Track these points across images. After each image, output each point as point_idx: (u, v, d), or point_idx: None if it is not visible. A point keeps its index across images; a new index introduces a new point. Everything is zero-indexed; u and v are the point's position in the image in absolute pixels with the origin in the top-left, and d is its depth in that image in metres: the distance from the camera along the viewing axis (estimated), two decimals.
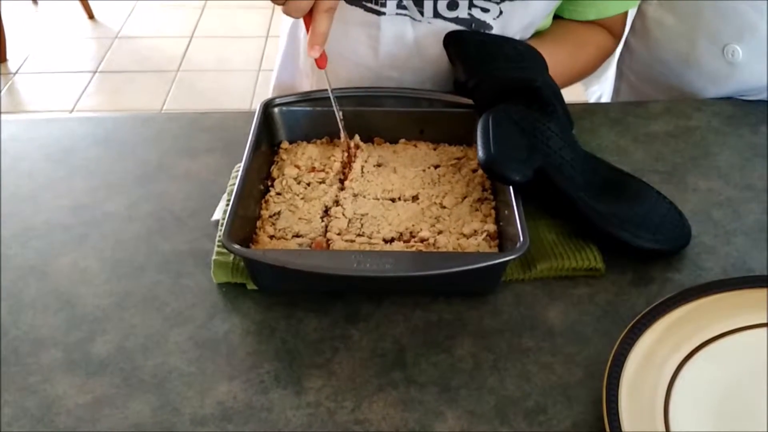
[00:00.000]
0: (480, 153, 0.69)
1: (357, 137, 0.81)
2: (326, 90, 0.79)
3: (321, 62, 0.75)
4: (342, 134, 0.78)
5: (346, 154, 0.79)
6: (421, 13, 0.87)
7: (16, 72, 2.95)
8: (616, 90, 1.13)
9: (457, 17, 0.87)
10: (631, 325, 0.60)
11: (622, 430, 0.52)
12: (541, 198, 0.72)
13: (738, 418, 0.55)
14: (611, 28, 0.99)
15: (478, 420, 0.57)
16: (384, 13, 0.87)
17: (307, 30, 0.73)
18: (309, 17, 0.72)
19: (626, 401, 0.54)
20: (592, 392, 0.58)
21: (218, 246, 0.69)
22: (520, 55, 0.83)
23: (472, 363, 0.61)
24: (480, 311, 0.65)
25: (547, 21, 0.95)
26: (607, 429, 0.53)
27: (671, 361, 0.58)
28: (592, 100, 1.24)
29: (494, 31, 0.88)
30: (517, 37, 0.91)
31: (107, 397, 0.59)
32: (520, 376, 0.60)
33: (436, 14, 0.87)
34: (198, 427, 0.56)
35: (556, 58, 0.85)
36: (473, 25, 0.87)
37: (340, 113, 0.78)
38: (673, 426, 0.53)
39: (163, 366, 0.61)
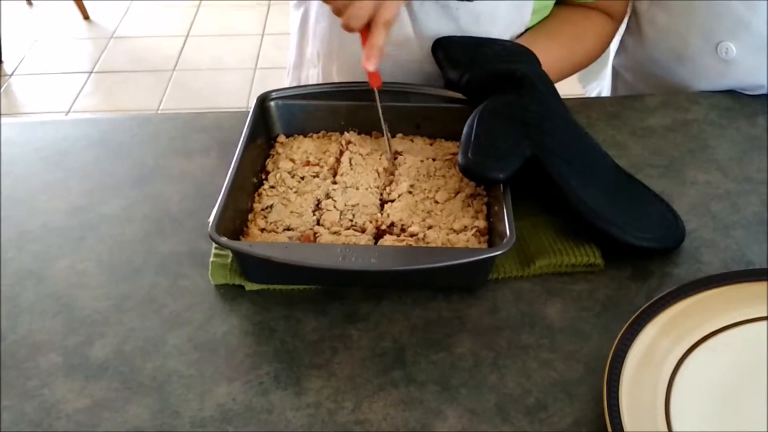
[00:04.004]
0: (458, 158, 0.70)
1: (347, 134, 0.81)
2: (322, 84, 0.78)
3: (375, 81, 0.76)
4: (386, 144, 0.79)
5: (339, 151, 0.79)
6: None
7: (12, 74, 2.94)
8: (614, 88, 1.13)
9: None
10: (631, 320, 0.60)
11: (623, 426, 0.52)
12: (535, 189, 0.71)
13: (739, 411, 0.55)
14: (611, 10, 0.97)
15: (478, 418, 0.56)
16: None
17: (363, 43, 0.74)
18: (366, 31, 0.73)
19: (627, 397, 0.54)
20: (593, 388, 0.58)
21: (216, 247, 0.69)
22: (508, 51, 0.84)
23: (472, 361, 0.61)
24: (479, 309, 0.65)
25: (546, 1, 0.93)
26: (608, 425, 0.52)
27: (672, 356, 0.58)
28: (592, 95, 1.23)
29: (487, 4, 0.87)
30: (513, 10, 0.90)
31: (106, 401, 0.58)
32: (521, 374, 0.60)
33: None
34: (198, 430, 0.56)
35: (551, 55, 0.84)
36: None
37: (386, 125, 0.79)
38: (674, 421, 0.53)
39: (162, 369, 0.61)
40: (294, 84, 1.09)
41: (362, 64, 0.74)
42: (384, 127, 0.78)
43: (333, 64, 0.97)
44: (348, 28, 0.74)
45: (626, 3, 0.99)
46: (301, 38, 1.04)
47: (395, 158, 0.79)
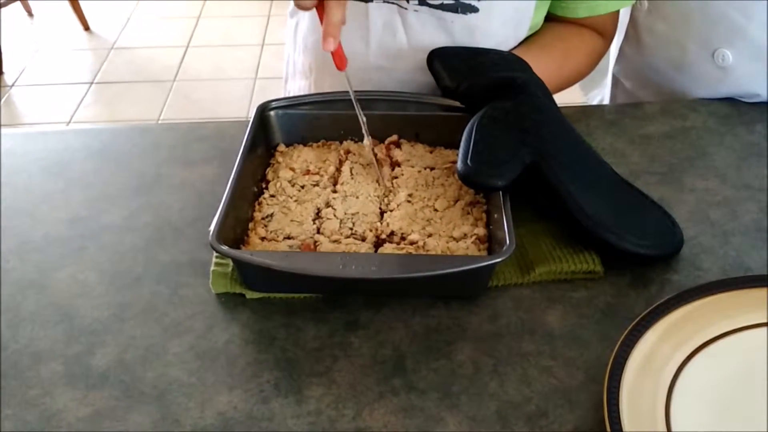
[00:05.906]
0: (457, 166, 0.70)
1: (346, 143, 0.82)
2: (322, 94, 0.79)
3: (340, 63, 0.74)
4: (366, 139, 0.79)
5: (339, 160, 0.79)
6: (407, 0, 0.87)
7: (13, 84, 2.95)
8: (612, 97, 1.13)
9: (442, 3, 0.87)
10: (630, 327, 0.60)
11: None
12: (534, 196, 0.72)
13: (739, 418, 0.55)
14: (602, 28, 0.98)
15: (479, 425, 0.57)
16: (371, 0, 0.88)
17: (321, 22, 0.73)
18: (321, 9, 0.72)
19: (627, 404, 0.54)
20: (593, 395, 0.58)
21: (216, 256, 0.69)
22: (505, 59, 0.84)
23: (473, 368, 0.61)
24: (479, 316, 0.65)
25: (538, 17, 0.94)
26: None
27: (672, 363, 0.58)
28: (593, 104, 1.24)
29: (481, 14, 0.87)
30: (509, 27, 0.91)
31: (107, 410, 0.59)
32: (521, 381, 0.60)
33: (422, 1, 0.87)
34: None
35: (541, 69, 0.84)
36: (459, 9, 0.87)
37: (363, 117, 0.78)
38: (674, 427, 0.53)
39: (163, 377, 0.61)
40: (287, 94, 1.10)
41: (323, 46, 0.71)
42: (358, 110, 0.77)
43: (326, 77, 0.97)
44: (301, 7, 0.72)
45: (616, 22, 1.00)
46: (293, 49, 1.04)
47: (393, 168, 0.79)
